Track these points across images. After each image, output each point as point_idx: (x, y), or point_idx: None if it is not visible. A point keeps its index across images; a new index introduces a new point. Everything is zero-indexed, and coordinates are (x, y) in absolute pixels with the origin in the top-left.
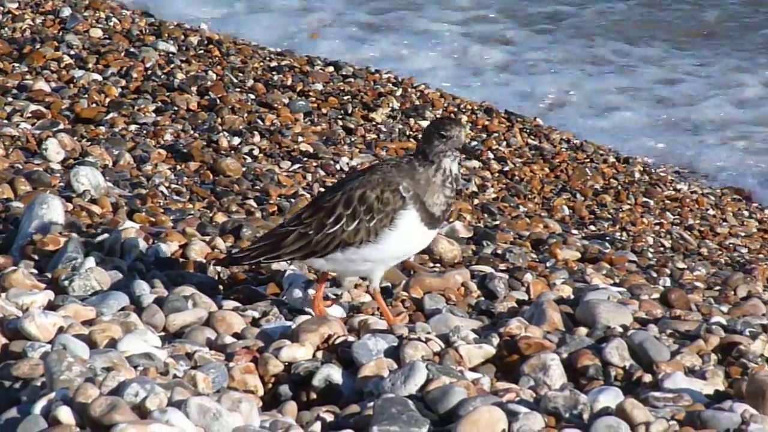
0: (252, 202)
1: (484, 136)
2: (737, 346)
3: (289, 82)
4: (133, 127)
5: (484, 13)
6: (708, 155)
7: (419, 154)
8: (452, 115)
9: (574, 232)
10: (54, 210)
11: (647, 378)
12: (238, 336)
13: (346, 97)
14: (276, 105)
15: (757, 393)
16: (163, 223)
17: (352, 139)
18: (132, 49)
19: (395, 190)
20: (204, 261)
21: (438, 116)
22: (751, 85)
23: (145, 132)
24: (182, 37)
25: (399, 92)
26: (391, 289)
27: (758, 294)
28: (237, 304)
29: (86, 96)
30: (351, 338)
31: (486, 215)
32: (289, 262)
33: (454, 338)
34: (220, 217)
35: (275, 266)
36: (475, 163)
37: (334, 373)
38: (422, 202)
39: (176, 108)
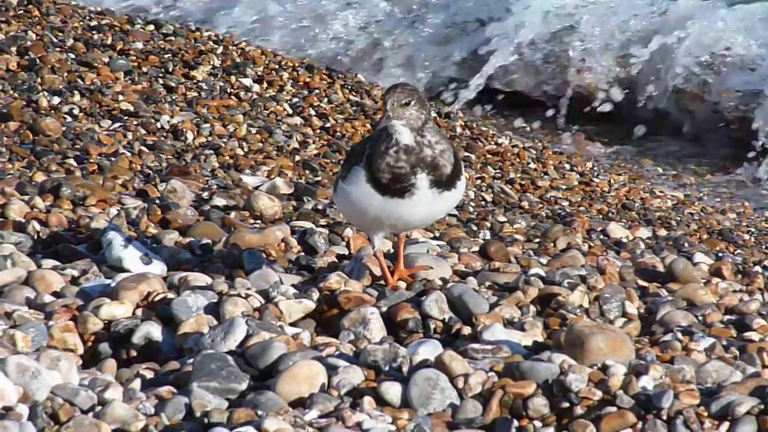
0: (72, 161)
1: (306, 92)
2: (556, 297)
3: (109, 41)
4: None
5: None
6: None
7: None
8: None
9: None
10: None
11: (466, 330)
12: (57, 295)
13: (166, 56)
14: (96, 64)
15: (575, 343)
16: None
17: (173, 98)
18: None
19: (364, 146)
20: (23, 220)
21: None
22: None
23: None
24: None
25: (220, 50)
26: (211, 246)
27: (577, 245)
28: (56, 262)
29: None
30: (171, 295)
31: (307, 171)
32: None
33: (273, 294)
34: (40, 177)
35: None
36: (297, 120)
37: (154, 330)
38: (371, 164)
39: None
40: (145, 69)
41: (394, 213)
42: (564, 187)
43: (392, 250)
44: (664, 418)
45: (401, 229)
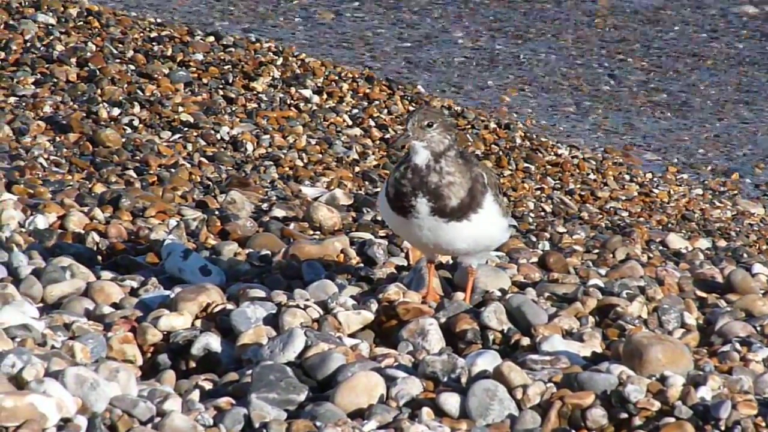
0: (132, 173)
1: (366, 104)
2: (614, 308)
3: (169, 53)
4: (12, 100)
5: None
6: None
7: None
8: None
9: None
10: None
11: (525, 341)
12: (116, 306)
13: (226, 67)
14: (156, 75)
15: (633, 354)
16: (42, 195)
17: (233, 109)
18: (11, 22)
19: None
20: (82, 232)
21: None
22: None
23: (24, 104)
24: (61, 8)
25: (280, 61)
26: (270, 257)
27: (636, 256)
28: (115, 274)
29: None
30: (230, 306)
31: (367, 182)
32: None
33: (332, 305)
34: (99, 188)
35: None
36: (357, 131)
37: (213, 341)
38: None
39: (56, 80)
40: (205, 80)
41: (404, 232)
42: (623, 197)
43: (450, 261)
44: (723, 428)
45: (431, 250)
